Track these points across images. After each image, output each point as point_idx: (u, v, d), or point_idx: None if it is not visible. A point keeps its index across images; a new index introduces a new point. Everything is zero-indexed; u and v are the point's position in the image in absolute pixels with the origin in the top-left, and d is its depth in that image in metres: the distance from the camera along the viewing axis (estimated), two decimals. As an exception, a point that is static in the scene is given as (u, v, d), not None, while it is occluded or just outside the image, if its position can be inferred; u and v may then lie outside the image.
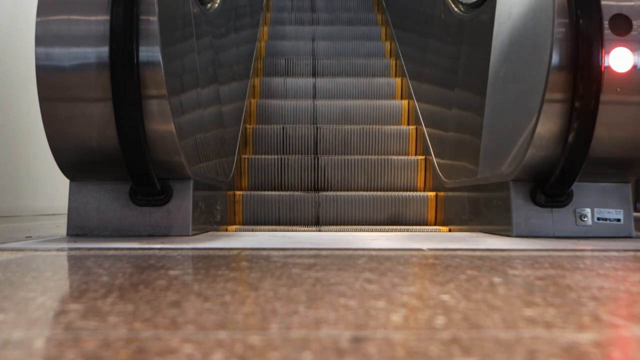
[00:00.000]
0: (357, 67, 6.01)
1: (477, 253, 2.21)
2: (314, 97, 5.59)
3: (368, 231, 3.83)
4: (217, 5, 3.93)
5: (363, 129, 4.96)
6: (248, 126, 4.96)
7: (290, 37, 6.74)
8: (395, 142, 4.95)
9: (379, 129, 4.98)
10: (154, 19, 2.62)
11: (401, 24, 6.26)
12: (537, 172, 2.85)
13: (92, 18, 2.64)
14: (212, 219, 3.44)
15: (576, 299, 1.28)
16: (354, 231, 3.87)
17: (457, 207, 3.90)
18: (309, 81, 5.67)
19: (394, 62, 6.04)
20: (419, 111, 5.04)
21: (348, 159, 4.65)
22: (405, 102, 5.36)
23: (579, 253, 2.23)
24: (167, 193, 2.90)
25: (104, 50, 2.61)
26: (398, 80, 5.71)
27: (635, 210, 4.27)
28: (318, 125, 4.99)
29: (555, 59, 2.64)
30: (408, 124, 5.25)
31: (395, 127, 5.03)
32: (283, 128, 4.95)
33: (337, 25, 6.99)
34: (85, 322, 1.04)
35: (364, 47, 6.41)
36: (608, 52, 2.63)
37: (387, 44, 6.44)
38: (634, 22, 2.66)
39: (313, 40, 6.56)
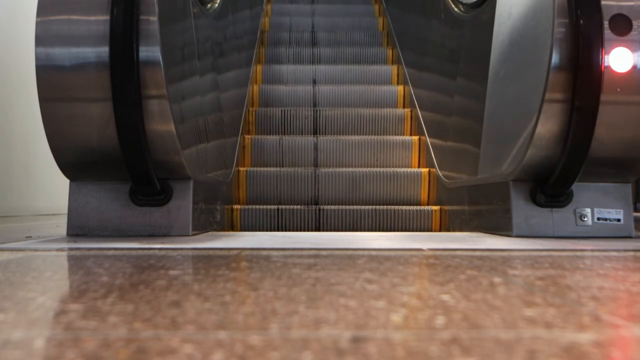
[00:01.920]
0: (366, 120, 5.10)
1: (477, 253, 2.21)
2: (316, 164, 4.74)
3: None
4: (217, 5, 3.94)
5: (376, 210, 4.18)
6: (235, 207, 4.16)
7: (288, 80, 5.82)
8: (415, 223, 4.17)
9: (394, 210, 4.20)
10: (154, 18, 2.62)
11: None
12: (537, 172, 2.85)
13: (92, 18, 2.64)
14: (212, 219, 3.44)
15: (576, 299, 1.28)
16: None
17: (459, 220, 3.89)
18: (309, 141, 4.78)
19: (409, 113, 5.15)
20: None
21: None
22: (425, 171, 4.52)
23: (579, 253, 2.23)
24: (167, 193, 2.90)
25: (104, 50, 2.61)
26: (415, 139, 4.83)
27: (635, 210, 4.26)
28: (321, 207, 4.23)
29: (555, 59, 2.64)
30: (428, 203, 4.46)
31: (414, 208, 4.26)
32: (278, 210, 4.19)
33: (341, 65, 6.04)
34: (85, 322, 1.04)
35: (374, 93, 5.50)
36: (608, 52, 2.63)
37: (400, 89, 5.53)
38: (634, 22, 2.66)
39: (314, 84, 5.69)
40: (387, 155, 4.79)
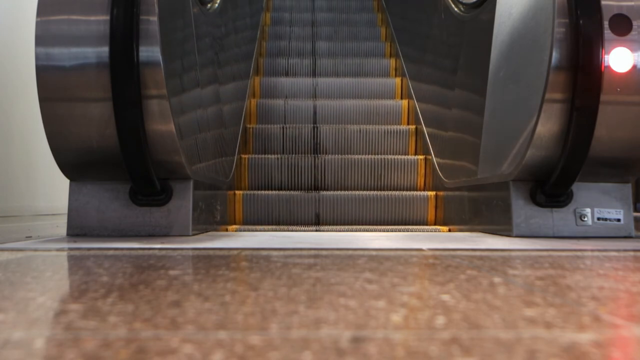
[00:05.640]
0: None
1: (477, 253, 2.21)
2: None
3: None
4: (217, 5, 3.93)
5: None
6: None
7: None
8: None
9: None
10: (154, 19, 2.62)
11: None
12: (537, 172, 2.85)
13: (92, 18, 2.64)
14: (212, 219, 3.44)
15: (576, 299, 1.28)
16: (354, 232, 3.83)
17: (458, 209, 3.89)
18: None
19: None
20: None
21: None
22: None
23: (579, 253, 2.23)
24: (167, 193, 2.90)
25: (104, 50, 2.61)
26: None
27: (635, 210, 4.26)
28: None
29: (555, 59, 2.64)
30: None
31: None
32: None
33: (354, 191, 4.47)
34: (85, 322, 1.04)
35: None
36: (608, 52, 2.63)
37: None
38: (634, 22, 2.66)
39: (318, 224, 4.31)
40: None
